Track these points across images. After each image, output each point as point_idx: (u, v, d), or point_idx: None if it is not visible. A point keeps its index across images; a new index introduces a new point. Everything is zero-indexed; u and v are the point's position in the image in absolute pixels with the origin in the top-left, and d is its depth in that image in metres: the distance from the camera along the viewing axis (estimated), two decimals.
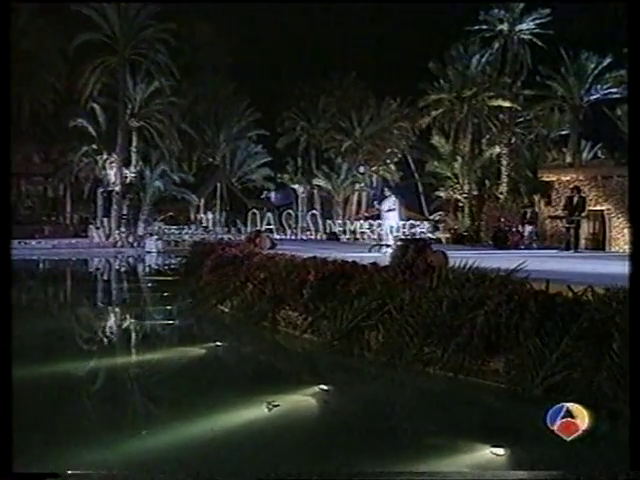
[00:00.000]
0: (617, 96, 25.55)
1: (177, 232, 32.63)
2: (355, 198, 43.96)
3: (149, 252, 28.44)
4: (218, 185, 37.54)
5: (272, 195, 44.38)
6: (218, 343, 7.71)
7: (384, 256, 11.31)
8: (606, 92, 26.03)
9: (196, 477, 3.80)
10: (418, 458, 4.23)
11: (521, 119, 27.27)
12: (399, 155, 47.75)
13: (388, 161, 46.34)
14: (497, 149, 26.59)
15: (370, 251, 12.83)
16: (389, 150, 46.33)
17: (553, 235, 19.42)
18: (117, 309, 11.09)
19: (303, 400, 5.46)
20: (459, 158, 27.08)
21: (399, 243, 8.54)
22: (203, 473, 3.87)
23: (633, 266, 4.38)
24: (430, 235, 31.00)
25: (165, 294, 12.47)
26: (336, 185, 42.13)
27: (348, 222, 34.68)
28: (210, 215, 34.82)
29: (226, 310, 9.82)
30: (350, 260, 8.78)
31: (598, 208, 18.50)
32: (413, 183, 50.74)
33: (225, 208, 36.73)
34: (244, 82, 41.06)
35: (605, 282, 5.86)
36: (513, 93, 26.34)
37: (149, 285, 14.91)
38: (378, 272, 7.99)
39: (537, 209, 18.88)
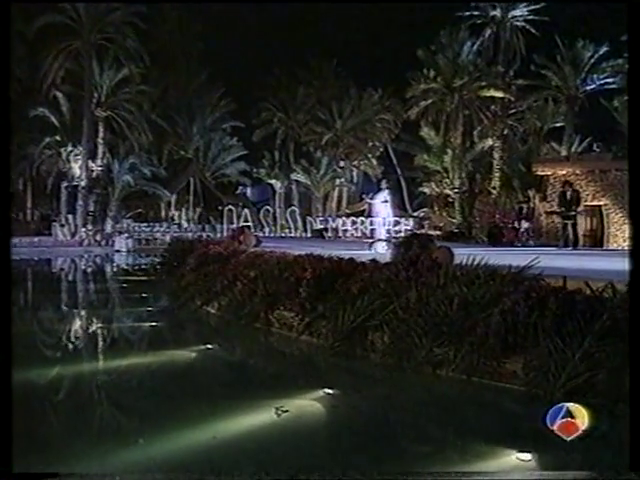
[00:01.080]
0: (614, 86, 25.90)
1: (148, 230, 32.32)
2: (336, 194, 44.01)
3: (118, 251, 28.13)
4: (191, 180, 37.28)
5: (248, 191, 44.25)
6: (209, 346, 7.63)
7: (378, 253, 11.33)
8: (603, 82, 26.38)
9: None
10: (440, 464, 4.21)
11: (514, 110, 27.54)
12: (381, 149, 47.98)
13: (370, 155, 46.50)
14: (489, 142, 26.80)
15: (370, 248, 12.86)
16: (371, 143, 46.50)
17: (549, 232, 19.62)
18: (95, 312, 10.89)
19: (309, 405, 5.41)
20: (449, 151, 27.23)
21: (401, 239, 8.50)
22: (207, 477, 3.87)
23: (633, 263, 4.46)
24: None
25: (144, 295, 12.31)
26: (316, 180, 42.14)
27: (330, 219, 34.66)
28: (190, 212, 34.61)
29: (213, 311, 9.72)
30: (347, 257, 8.75)
31: (596, 203, 18.73)
32: (395, 178, 51.13)
33: (199, 204, 36.49)
34: (218, 70, 40.86)
35: (622, 279, 5.89)
36: (506, 83, 26.58)
37: (124, 286, 14.72)
38: (379, 269, 7.96)
39: (532, 205, 19.01)
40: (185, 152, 39.92)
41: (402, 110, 45.16)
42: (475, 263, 7.38)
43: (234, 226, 26.52)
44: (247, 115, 42.91)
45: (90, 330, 9.13)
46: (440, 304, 6.59)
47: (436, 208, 44.78)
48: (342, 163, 43.67)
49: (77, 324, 9.84)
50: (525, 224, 16.80)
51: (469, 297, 6.50)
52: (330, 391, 5.72)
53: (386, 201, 13.60)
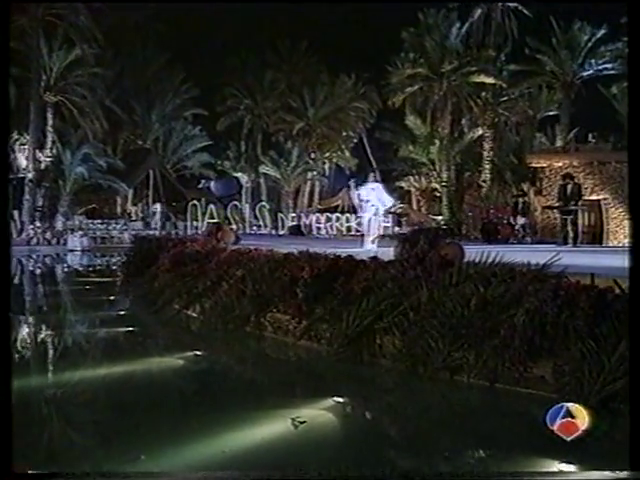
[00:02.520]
0: (613, 72, 26.30)
1: (103, 227, 31.89)
2: (307, 188, 43.99)
3: (72, 250, 27.65)
4: (150, 172, 36.85)
5: (211, 185, 43.95)
6: (197, 352, 7.52)
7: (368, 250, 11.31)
8: (601, 67, 26.78)
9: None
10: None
11: (505, 98, 27.80)
12: (355, 140, 48.13)
13: (344, 146, 46.61)
14: (479, 131, 27.04)
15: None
16: (345, 134, 46.62)
17: (545, 228, 19.86)
18: (60, 316, 10.65)
19: (319, 415, 5.35)
20: (437, 141, 27.37)
21: (407, 234, 8.49)
22: None
23: (633, 260, 4.51)
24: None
25: (111, 298, 12.10)
26: (286, 174, 42.07)
27: (303, 215, 34.68)
28: (158, 207, 34.23)
29: (195, 315, 9.61)
30: (343, 255, 8.70)
31: (594, 198, 19.04)
32: (370, 171, 51.33)
33: (159, 199, 36.10)
34: (178, 53, 40.44)
35: None
36: (497, 68, 26.82)
37: (87, 288, 14.46)
38: (382, 268, 7.93)
39: (528, 199, 19.22)
40: (143, 142, 39.46)
41: (378, 97, 45.62)
42: (489, 260, 7.40)
43: (199, 223, 26.16)
44: (211, 102, 42.62)
45: (62, 336, 8.91)
46: (456, 304, 6.59)
47: (419, 203, 45.20)
48: (313, 155, 43.64)
49: (43, 330, 9.60)
50: (521, 220, 16.98)
51: (487, 296, 6.51)
52: (340, 399, 5.69)
53: (373, 189, 13.56)
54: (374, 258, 8.37)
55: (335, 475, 3.99)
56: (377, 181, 14.05)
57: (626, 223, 19.35)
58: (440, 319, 6.55)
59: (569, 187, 15.43)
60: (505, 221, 17.52)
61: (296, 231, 30.31)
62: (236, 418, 5.20)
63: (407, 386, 6.36)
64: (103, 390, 6.18)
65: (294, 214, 35.62)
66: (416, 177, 43.57)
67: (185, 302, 9.90)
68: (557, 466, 4.25)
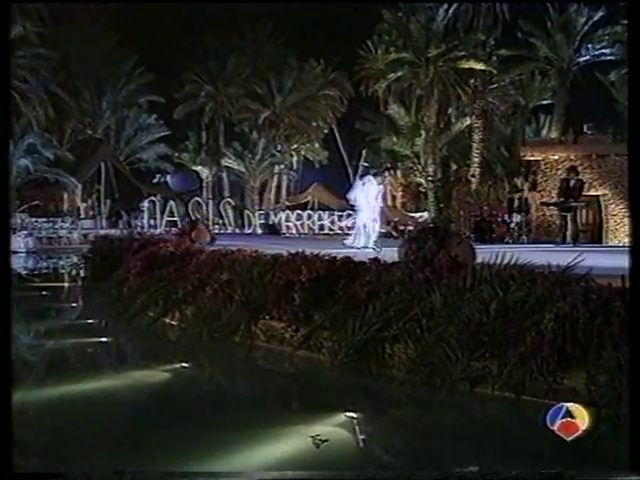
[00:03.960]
0: (611, 58, 26.67)
1: (49, 226, 31.40)
2: (274, 183, 43.93)
3: (16, 252, 27.14)
4: (102, 165, 36.37)
5: (169, 179, 43.56)
6: (185, 364, 7.43)
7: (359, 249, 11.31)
8: (598, 53, 27.15)
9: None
10: None
11: (495, 85, 28.04)
12: (325, 130, 48.22)
13: (313, 137, 46.64)
14: (468, 121, 27.22)
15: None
16: (314, 124, 46.64)
17: (539, 226, 20.07)
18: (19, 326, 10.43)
19: (332, 431, 5.33)
20: (422, 132, 27.49)
21: (414, 233, 8.52)
22: None
23: (633, 260, 4.61)
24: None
25: (73, 305, 11.91)
26: (251, 167, 41.99)
27: (271, 213, 34.62)
28: (102, 205, 33.79)
29: (175, 323, 9.51)
30: (340, 256, 8.70)
31: (593, 193, 19.29)
32: (342, 165, 51.46)
33: (112, 195, 35.68)
34: (131, 33, 39.91)
35: None
36: (486, 53, 27.02)
37: (44, 294, 14.19)
38: (387, 270, 7.94)
39: (525, 195, 19.42)
40: (93, 131, 38.94)
41: (349, 84, 45.75)
42: (504, 262, 7.45)
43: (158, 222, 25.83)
44: (168, 88, 42.21)
45: (24, 348, 8.73)
46: (474, 310, 6.62)
47: (394, 199, 45.39)
48: (280, 147, 43.59)
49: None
50: (517, 217, 17.14)
51: (508, 301, 6.56)
52: (352, 415, 5.68)
53: (364, 184, 13.54)
54: (375, 259, 8.39)
55: None
56: (375, 174, 14.05)
57: (627, 221, 19.66)
58: (457, 326, 6.57)
59: (571, 182, 15.62)
60: (500, 219, 17.68)
61: (271, 230, 30.23)
62: (243, 438, 5.15)
63: (423, 399, 6.36)
64: (79, 409, 6.00)
65: (262, 211, 35.49)
66: (391, 171, 43.91)
67: (163, 309, 9.78)
68: None
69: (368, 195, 13.49)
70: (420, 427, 5.86)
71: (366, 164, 15.05)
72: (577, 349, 5.83)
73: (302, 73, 43.90)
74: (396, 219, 35.47)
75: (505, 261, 7.43)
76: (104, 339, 9.07)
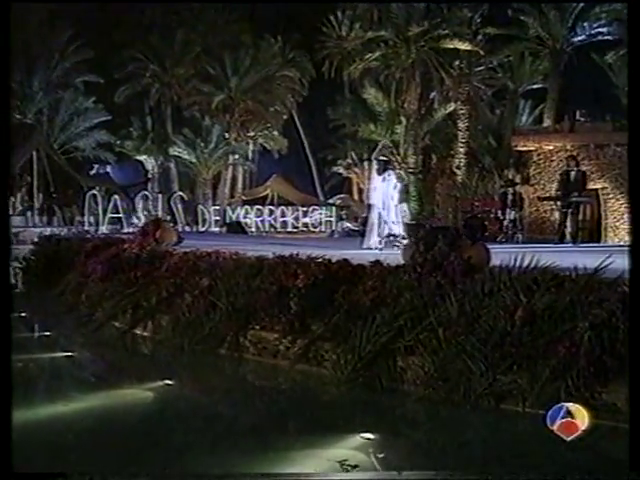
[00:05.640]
0: (608, 38, 27.05)
1: None
2: (229, 175, 43.69)
3: None
4: (34, 154, 35.71)
5: (110, 170, 43.06)
6: (168, 382, 7.36)
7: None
8: (595, 32, 27.54)
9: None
10: None
11: (482, 68, 28.30)
12: (284, 116, 48.10)
13: (271, 124, 46.48)
14: (452, 108, 27.40)
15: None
16: (273, 108, 46.50)
17: (532, 223, 20.35)
18: None
19: (350, 455, 5.37)
20: (403, 119, 27.60)
21: (421, 233, 8.58)
22: None
23: (633, 260, 4.82)
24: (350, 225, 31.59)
25: (22, 314, 11.72)
26: (203, 157, 41.63)
27: (229, 208, 34.43)
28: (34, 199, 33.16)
29: (148, 334, 9.44)
30: (339, 259, 8.73)
31: (591, 187, 19.50)
32: (303, 155, 51.34)
33: (47, 188, 35.12)
34: (66, 3, 39.31)
35: None
36: (472, 31, 27.21)
37: None
38: (392, 274, 8.00)
39: (519, 189, 19.61)
40: (23, 116, 38.18)
41: (310, 65, 45.72)
42: (523, 264, 7.55)
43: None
44: (107, 66, 41.60)
45: None
46: (497, 318, 6.71)
47: (361, 193, 45.46)
48: (235, 134, 43.33)
49: None
50: (511, 213, 17.33)
51: (535, 308, 6.66)
52: (370, 436, 5.71)
53: (384, 179, 13.53)
54: (377, 262, 8.43)
55: None
56: (390, 168, 14.06)
57: (628, 217, 20.00)
58: (479, 336, 6.66)
59: (572, 174, 15.84)
60: (492, 215, 17.84)
61: (236, 228, 30.04)
62: (254, 462, 5.16)
63: (445, 418, 6.43)
64: (40, 440, 5.75)
65: (217, 207, 35.27)
66: (357, 162, 43.96)
67: (132, 319, 9.71)
68: None
69: (388, 193, 13.44)
70: (442, 449, 5.92)
71: (384, 158, 14.97)
72: (616, 361, 5.94)
73: (259, 52, 43.65)
74: (364, 214, 35.58)
75: (525, 263, 7.54)
76: (66, 354, 8.91)
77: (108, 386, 7.60)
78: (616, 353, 5.94)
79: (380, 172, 13.68)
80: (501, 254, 8.25)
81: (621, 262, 7.13)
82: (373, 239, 13.29)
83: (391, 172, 13.71)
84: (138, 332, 9.62)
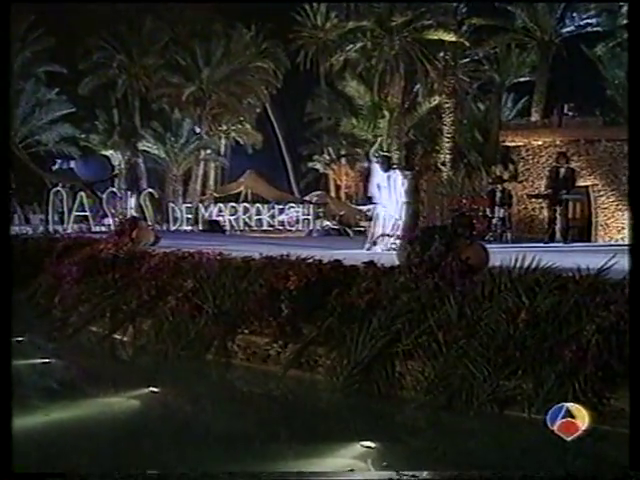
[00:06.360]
0: (598, 29, 27.29)
1: None
2: (201, 171, 43.56)
3: None
4: None
5: (75, 166, 42.75)
6: (154, 389, 7.34)
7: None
8: (584, 23, 27.78)
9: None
10: None
11: (467, 60, 28.42)
12: (258, 109, 48.06)
13: (244, 117, 46.41)
14: (437, 101, 27.50)
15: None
16: (246, 101, 46.43)
17: (521, 221, 20.53)
18: None
19: (351, 464, 5.42)
20: (386, 113, 27.65)
21: (416, 233, 8.64)
22: None
23: (633, 260, 4.98)
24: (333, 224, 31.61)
25: None
26: (173, 152, 41.48)
27: (201, 206, 34.31)
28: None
29: (128, 339, 9.42)
30: (330, 259, 8.77)
31: (581, 184, 19.72)
32: (278, 151, 51.37)
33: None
34: None
35: None
36: (457, 22, 27.34)
37: None
38: (386, 276, 8.06)
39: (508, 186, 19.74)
40: None
41: (284, 56, 45.74)
42: (523, 265, 7.64)
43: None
44: (71, 56, 41.30)
45: None
46: (500, 321, 6.78)
47: (339, 190, 45.53)
48: (197, 129, 43.13)
49: None
50: (500, 211, 17.48)
51: (538, 310, 6.74)
52: (370, 445, 5.75)
53: (390, 177, 13.52)
54: (371, 263, 8.48)
55: None
56: (396, 166, 14.08)
57: (619, 215, 20.28)
58: (481, 339, 6.73)
59: (562, 171, 16.05)
60: (480, 213, 17.99)
61: (213, 227, 29.96)
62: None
63: (447, 425, 6.48)
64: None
65: (189, 204, 35.14)
66: (335, 158, 44.02)
67: (111, 323, 9.69)
68: None
69: (396, 191, 13.45)
70: (444, 458, 5.96)
71: (387, 154, 14.99)
72: (625, 365, 6.02)
73: (231, 42, 43.53)
74: (342, 212, 35.65)
75: (525, 264, 7.63)
76: (42, 361, 8.85)
77: (89, 395, 7.58)
78: (625, 357, 6.02)
79: (385, 169, 13.66)
80: (496, 254, 8.36)
81: (613, 261, 7.33)
82: (385, 240, 13.28)
83: (396, 169, 13.75)
84: (118, 337, 9.60)
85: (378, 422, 6.63)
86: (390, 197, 13.46)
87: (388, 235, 13.03)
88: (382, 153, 15.36)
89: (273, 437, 6.29)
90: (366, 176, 32.53)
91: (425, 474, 5.03)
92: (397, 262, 8.56)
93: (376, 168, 13.97)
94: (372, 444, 5.73)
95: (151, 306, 9.40)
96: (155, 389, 7.37)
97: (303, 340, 7.71)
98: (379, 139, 27.72)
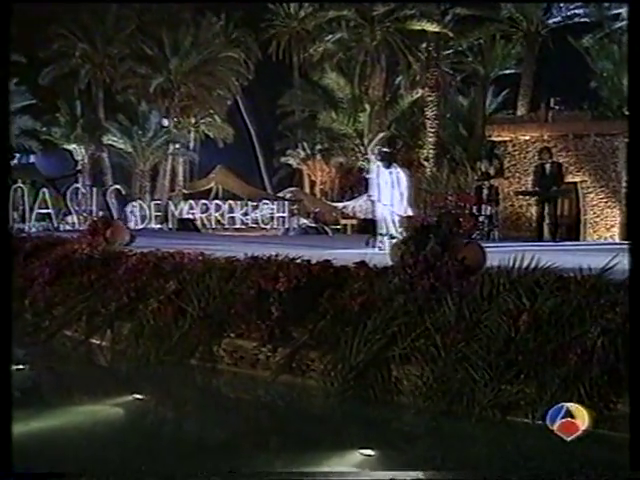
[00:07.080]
0: (585, 20, 27.52)
1: None
2: (169, 166, 43.35)
3: None
4: None
5: (35, 159, 42.33)
6: (138, 396, 7.33)
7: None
8: (571, 14, 27.98)
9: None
10: None
11: (450, 51, 28.53)
12: (228, 102, 47.91)
13: (214, 110, 46.24)
14: (419, 94, 27.61)
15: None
16: (216, 93, 46.27)
17: (507, 219, 20.65)
18: None
19: (353, 474, 5.47)
20: (367, 107, 27.70)
21: (410, 232, 8.69)
22: None
23: (633, 260, 5.09)
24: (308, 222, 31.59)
25: None
26: (140, 146, 41.24)
27: (171, 203, 34.12)
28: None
29: (107, 344, 9.39)
30: (319, 259, 8.80)
31: (570, 180, 19.89)
32: (250, 145, 51.28)
33: None
34: None
35: None
36: (440, 12, 27.44)
37: None
38: (379, 277, 8.11)
39: (495, 183, 19.90)
40: None
41: (255, 45, 45.63)
42: (522, 265, 7.71)
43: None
44: (31, 44, 40.91)
45: None
46: (500, 323, 6.84)
47: (313, 187, 45.50)
48: (165, 121, 42.92)
49: None
50: (487, 209, 17.59)
51: (540, 312, 6.81)
52: (370, 452, 5.79)
53: (391, 173, 13.51)
54: (362, 264, 8.51)
55: None
56: (396, 162, 14.04)
57: (608, 212, 20.48)
58: (481, 342, 6.79)
59: (547, 167, 16.23)
60: (467, 211, 18.04)
61: (188, 225, 29.81)
62: None
63: (447, 432, 6.53)
64: None
65: (158, 201, 34.94)
66: (310, 153, 44.01)
67: (88, 327, 9.66)
68: None
69: (400, 187, 13.42)
70: (444, 465, 6.01)
71: (388, 150, 14.94)
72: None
73: (199, 31, 43.34)
74: (317, 209, 35.65)
75: (524, 264, 7.71)
76: (15, 367, 8.79)
77: (66, 404, 7.55)
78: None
79: (387, 166, 13.63)
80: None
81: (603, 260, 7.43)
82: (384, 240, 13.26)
83: (397, 166, 13.74)
84: (95, 342, 9.57)
85: (374, 429, 6.68)
86: (393, 194, 13.43)
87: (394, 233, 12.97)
88: (383, 149, 15.24)
89: (262, 446, 6.31)
90: (345, 172, 32.73)
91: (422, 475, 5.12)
92: (390, 262, 8.59)
93: (376, 165, 13.95)
94: (368, 452, 5.77)
95: (131, 309, 9.36)
96: (137, 396, 7.37)
97: (294, 344, 7.74)
98: (380, 135, 27.72)
